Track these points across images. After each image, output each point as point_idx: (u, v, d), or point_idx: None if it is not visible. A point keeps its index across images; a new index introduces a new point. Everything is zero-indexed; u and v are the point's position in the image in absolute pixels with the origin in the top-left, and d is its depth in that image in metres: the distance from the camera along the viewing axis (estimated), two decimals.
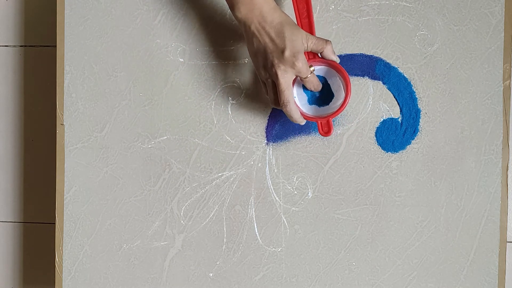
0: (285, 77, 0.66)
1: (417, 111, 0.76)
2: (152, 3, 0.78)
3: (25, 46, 0.91)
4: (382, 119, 0.76)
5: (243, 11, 0.66)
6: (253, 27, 0.66)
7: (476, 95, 0.75)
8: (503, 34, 0.74)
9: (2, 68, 0.91)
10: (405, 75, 0.76)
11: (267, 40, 0.66)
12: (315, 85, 0.69)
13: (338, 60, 0.70)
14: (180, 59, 0.78)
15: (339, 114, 0.72)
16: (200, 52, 0.78)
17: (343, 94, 0.71)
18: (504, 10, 0.74)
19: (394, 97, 0.76)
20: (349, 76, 0.73)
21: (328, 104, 0.73)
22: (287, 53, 0.65)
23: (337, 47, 0.76)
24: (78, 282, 0.80)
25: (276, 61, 0.66)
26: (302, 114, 0.71)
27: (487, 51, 0.75)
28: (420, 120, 0.76)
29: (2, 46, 0.91)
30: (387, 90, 0.76)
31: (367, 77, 0.76)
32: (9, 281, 0.93)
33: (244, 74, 0.77)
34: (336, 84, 0.72)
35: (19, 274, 0.93)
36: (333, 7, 0.76)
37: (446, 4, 0.75)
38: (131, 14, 0.79)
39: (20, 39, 0.91)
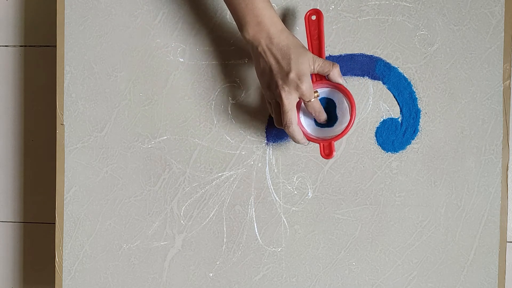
0: (289, 99, 0.67)
1: (417, 111, 0.76)
2: (152, 3, 0.78)
3: (25, 46, 0.91)
4: (382, 119, 0.76)
5: (251, 32, 0.67)
6: (260, 48, 0.67)
7: (476, 95, 0.75)
8: (503, 34, 0.74)
9: (2, 68, 0.91)
10: (405, 75, 0.76)
11: (272, 61, 0.66)
12: (317, 111, 0.69)
13: (345, 84, 0.70)
14: (180, 59, 0.78)
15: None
16: (200, 52, 0.78)
17: (348, 118, 0.71)
18: (504, 10, 0.74)
19: (394, 97, 0.76)
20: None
21: (330, 126, 0.73)
22: (292, 75, 0.66)
23: (337, 47, 0.76)
24: (78, 282, 0.80)
25: (280, 82, 0.66)
26: (306, 135, 0.71)
27: (487, 51, 0.75)
28: (420, 120, 0.76)
29: (2, 46, 0.91)
30: (387, 90, 0.76)
31: (367, 77, 0.76)
32: (9, 281, 0.93)
33: (244, 74, 0.77)
34: (343, 107, 0.72)
35: (19, 274, 0.93)
36: (333, 7, 0.76)
37: (446, 4, 0.75)
38: (131, 14, 0.79)
39: (20, 39, 0.91)
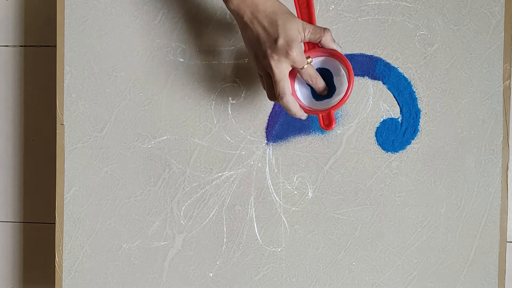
0: (279, 67, 0.63)
1: (417, 111, 0.76)
2: (152, 3, 0.78)
3: (25, 46, 0.91)
4: (382, 119, 0.76)
5: (235, 1, 0.64)
6: (246, 18, 0.64)
7: (476, 95, 0.75)
8: (503, 34, 0.74)
9: (2, 68, 0.91)
10: (405, 75, 0.76)
11: (260, 29, 0.63)
12: (313, 77, 0.66)
13: (339, 49, 0.67)
14: (180, 59, 0.78)
15: (341, 108, 0.69)
16: (200, 52, 0.78)
17: (344, 87, 0.67)
18: (504, 10, 0.74)
19: (394, 97, 0.76)
20: None
21: (327, 97, 0.69)
22: (280, 42, 0.62)
23: None
24: (78, 282, 0.80)
25: (269, 51, 0.63)
26: (302, 107, 0.67)
27: (487, 51, 0.75)
28: (420, 120, 0.76)
29: (2, 46, 0.91)
30: (387, 90, 0.76)
31: (367, 77, 0.76)
32: (9, 281, 0.93)
33: (244, 74, 0.77)
34: (341, 75, 0.68)
35: (19, 274, 0.93)
36: (333, 7, 0.76)
37: (446, 4, 0.75)
38: (131, 14, 0.79)
39: (20, 39, 0.91)
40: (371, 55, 0.76)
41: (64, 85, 0.79)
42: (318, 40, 0.65)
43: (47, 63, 0.90)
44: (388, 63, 0.76)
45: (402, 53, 0.75)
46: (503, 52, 0.74)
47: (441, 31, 0.75)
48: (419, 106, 0.76)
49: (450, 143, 0.76)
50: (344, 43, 0.76)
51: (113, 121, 0.79)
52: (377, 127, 0.76)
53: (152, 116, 0.79)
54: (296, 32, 0.63)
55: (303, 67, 0.64)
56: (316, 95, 0.69)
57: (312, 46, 0.67)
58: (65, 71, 0.79)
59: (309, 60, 0.65)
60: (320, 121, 0.67)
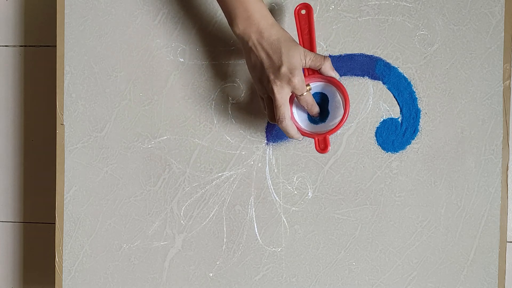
0: (280, 93, 0.66)
1: (417, 111, 0.76)
2: (152, 3, 0.78)
3: (25, 46, 0.91)
4: (382, 119, 0.76)
5: (241, 27, 0.66)
6: (250, 43, 0.66)
7: (476, 95, 0.75)
8: (503, 34, 0.74)
9: (2, 68, 0.91)
10: (405, 75, 0.76)
11: (263, 56, 0.66)
12: (309, 104, 0.69)
13: (337, 77, 0.70)
14: (180, 59, 0.78)
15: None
16: (200, 52, 0.78)
17: (342, 111, 0.71)
18: (504, 10, 0.74)
19: (394, 97, 0.76)
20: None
21: (324, 121, 0.73)
22: (283, 69, 0.65)
23: (337, 47, 0.76)
24: (78, 282, 0.80)
25: (272, 77, 0.66)
26: (300, 130, 0.70)
27: (487, 51, 0.75)
28: (420, 120, 0.76)
29: (2, 46, 0.91)
30: (387, 90, 0.76)
31: (367, 77, 0.76)
32: (9, 281, 0.93)
33: (244, 74, 0.77)
34: (336, 101, 0.72)
35: (19, 274, 0.93)
36: (333, 7, 0.76)
37: (446, 4, 0.75)
38: (131, 14, 0.79)
39: (20, 39, 0.91)
40: (371, 55, 0.76)
41: (64, 85, 0.80)
42: (318, 68, 0.69)
43: (47, 63, 0.90)
44: (388, 63, 0.76)
45: (402, 53, 0.75)
46: (503, 52, 0.74)
47: (441, 31, 0.75)
48: (419, 106, 0.76)
49: (450, 143, 0.76)
50: (344, 43, 0.76)
51: (113, 121, 0.79)
52: (377, 127, 0.76)
53: (152, 116, 0.79)
54: (298, 59, 0.66)
55: (302, 94, 0.68)
56: (312, 118, 0.73)
57: (312, 72, 0.70)
58: (65, 71, 0.79)
59: (308, 88, 0.68)
60: (316, 145, 0.71)
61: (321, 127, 0.73)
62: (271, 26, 0.66)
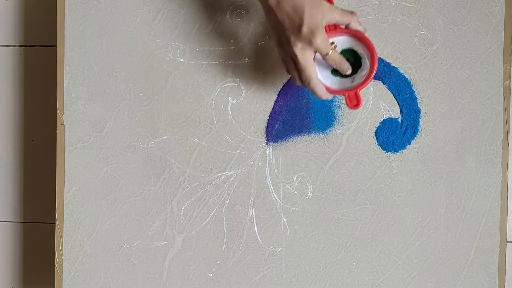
0: (303, 55, 0.62)
1: (417, 111, 0.76)
2: (152, 3, 0.78)
3: (25, 46, 0.91)
4: (382, 119, 0.76)
5: None
6: (270, 1, 0.62)
7: (476, 95, 0.75)
8: (503, 34, 0.74)
9: (2, 68, 0.91)
10: (405, 75, 0.76)
11: (284, 15, 0.61)
12: (337, 63, 0.65)
13: (365, 31, 0.66)
14: (180, 59, 0.78)
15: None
16: (200, 52, 0.78)
17: (367, 64, 0.67)
18: (504, 10, 0.74)
19: (394, 97, 0.76)
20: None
21: (351, 75, 0.68)
22: (304, 29, 0.60)
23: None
24: (78, 282, 0.80)
25: (292, 39, 0.62)
26: (328, 89, 0.67)
27: (487, 51, 0.75)
28: (420, 120, 0.76)
29: (2, 46, 0.91)
30: (387, 90, 0.76)
31: None
32: (9, 281, 0.93)
33: (244, 74, 0.77)
34: (360, 54, 0.67)
35: (19, 274, 0.93)
36: None
37: (446, 4, 0.75)
38: (131, 14, 0.79)
39: (20, 39, 0.91)
40: None
41: (64, 85, 0.80)
42: (346, 23, 0.64)
43: (47, 63, 0.90)
44: (388, 63, 0.76)
45: (402, 53, 0.75)
46: (503, 52, 0.74)
47: (441, 31, 0.75)
48: (419, 106, 0.76)
49: (450, 143, 0.76)
50: None
51: (113, 121, 0.79)
52: (377, 127, 0.76)
53: (152, 116, 0.79)
54: (320, 17, 0.61)
55: (328, 53, 0.63)
56: (335, 72, 0.68)
57: (333, 27, 0.65)
58: (65, 71, 0.79)
59: (333, 46, 0.64)
60: (347, 101, 0.67)
61: (346, 82, 0.68)
62: None
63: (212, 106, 0.78)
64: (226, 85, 0.78)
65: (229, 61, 0.78)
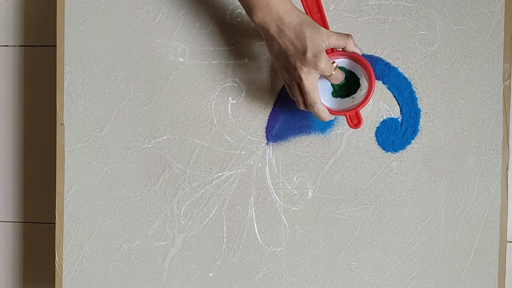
0: (309, 79, 0.66)
1: (417, 111, 0.76)
2: (152, 3, 0.78)
3: (25, 46, 0.91)
4: (382, 119, 0.76)
5: (260, 15, 0.65)
6: (272, 31, 0.65)
7: (476, 95, 0.75)
8: (503, 34, 0.74)
9: (2, 68, 0.91)
10: (405, 75, 0.76)
11: (287, 43, 0.65)
12: (340, 80, 0.69)
13: (361, 52, 0.69)
14: (180, 59, 0.78)
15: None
16: (200, 52, 0.78)
17: (365, 84, 0.70)
18: (504, 10, 0.74)
19: (394, 97, 0.76)
20: None
21: (350, 95, 0.71)
22: (309, 55, 0.64)
23: None
24: (78, 282, 0.80)
25: (298, 64, 0.65)
26: (330, 110, 0.70)
27: (487, 51, 0.75)
28: (420, 120, 0.76)
29: (2, 46, 0.91)
30: (387, 90, 0.76)
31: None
32: (9, 281, 0.93)
33: (244, 74, 0.77)
34: (358, 74, 0.71)
35: (19, 274, 0.93)
36: (333, 7, 0.76)
37: (446, 4, 0.75)
38: (131, 14, 0.79)
39: (20, 39, 0.91)
40: (371, 55, 0.76)
41: (64, 85, 0.80)
42: (343, 47, 0.68)
43: (47, 63, 0.90)
44: (388, 63, 0.76)
45: (402, 53, 0.75)
46: (503, 52, 0.74)
47: (441, 31, 0.75)
48: (419, 106, 0.76)
49: (450, 143, 0.76)
50: None
51: (113, 121, 0.79)
52: (377, 127, 0.76)
53: (152, 116, 0.79)
54: (321, 42, 0.65)
55: (331, 74, 0.67)
56: (335, 93, 0.72)
57: (332, 50, 0.69)
58: (65, 71, 0.79)
59: (334, 65, 0.67)
60: (348, 121, 0.70)
61: (344, 103, 0.71)
62: (291, 11, 0.65)
63: (212, 106, 0.78)
64: (226, 85, 0.78)
65: (229, 61, 0.78)
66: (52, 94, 0.87)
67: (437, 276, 0.76)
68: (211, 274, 0.79)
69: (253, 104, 0.77)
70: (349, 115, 0.70)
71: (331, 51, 0.69)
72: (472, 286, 0.76)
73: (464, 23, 0.75)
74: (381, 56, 0.76)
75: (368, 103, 0.76)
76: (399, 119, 0.76)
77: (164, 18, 0.78)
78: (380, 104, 0.76)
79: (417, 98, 0.76)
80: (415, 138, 0.76)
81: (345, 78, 0.71)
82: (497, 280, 0.75)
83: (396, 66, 0.76)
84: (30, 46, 0.91)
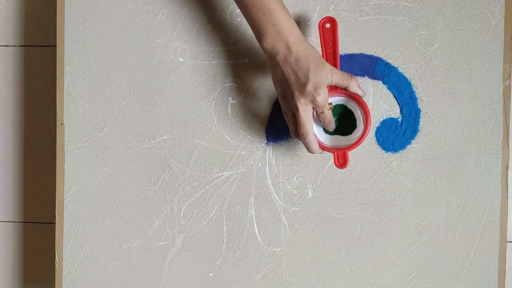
0: (304, 110, 0.66)
1: (417, 111, 0.76)
2: (152, 3, 0.78)
3: (25, 46, 0.91)
4: (382, 119, 0.76)
5: (269, 41, 0.66)
6: (278, 58, 0.66)
7: (476, 95, 0.75)
8: (503, 34, 0.74)
9: (2, 68, 0.91)
10: (405, 75, 0.76)
11: (290, 71, 0.66)
12: (328, 121, 0.69)
13: (363, 95, 0.70)
14: (180, 59, 0.78)
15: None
16: (200, 52, 0.78)
17: (361, 126, 0.71)
18: (504, 10, 0.74)
19: (394, 97, 0.76)
20: None
21: (345, 135, 0.73)
22: (309, 87, 0.65)
23: None
24: (78, 282, 0.80)
25: (297, 94, 0.66)
26: (320, 144, 0.70)
27: (487, 51, 0.75)
28: (420, 120, 0.76)
29: (2, 46, 0.91)
30: (387, 90, 0.76)
31: (367, 77, 0.76)
32: (9, 281, 0.93)
33: (244, 74, 0.77)
34: (356, 115, 0.72)
35: (19, 274, 0.93)
36: (333, 7, 0.76)
37: (446, 4, 0.75)
38: (131, 14, 0.79)
39: (20, 39, 0.91)
40: (371, 55, 0.76)
41: (64, 85, 0.80)
42: (345, 86, 0.68)
43: (47, 63, 0.90)
44: (388, 63, 0.76)
45: (402, 53, 0.76)
46: (503, 52, 0.74)
47: (441, 31, 0.75)
48: (419, 106, 0.76)
49: (450, 143, 0.76)
50: (344, 43, 0.76)
51: (113, 121, 0.79)
52: (377, 127, 0.76)
53: (152, 116, 0.79)
54: (324, 78, 0.66)
55: (324, 112, 0.67)
56: (325, 129, 0.73)
57: (335, 87, 0.69)
58: (65, 71, 0.79)
59: (329, 106, 0.68)
60: (335, 160, 0.70)
61: (338, 140, 0.73)
62: (300, 42, 0.66)
63: (212, 106, 0.78)
64: (226, 85, 0.78)
65: (229, 61, 0.78)
66: (52, 94, 0.87)
67: (437, 276, 0.76)
68: (211, 274, 0.79)
69: (253, 104, 0.77)
70: (337, 154, 0.70)
71: (334, 88, 0.69)
72: (472, 286, 0.76)
73: (464, 23, 0.75)
74: (381, 56, 0.76)
75: (368, 103, 0.76)
76: (399, 119, 0.76)
77: (164, 18, 0.78)
78: (380, 104, 0.76)
79: (417, 98, 0.76)
80: (415, 138, 0.76)
81: (339, 115, 0.72)
82: (497, 280, 0.75)
83: (396, 66, 0.76)
84: (30, 46, 0.91)
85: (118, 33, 0.79)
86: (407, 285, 0.76)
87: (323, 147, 0.71)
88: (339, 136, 0.73)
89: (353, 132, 0.72)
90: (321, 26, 0.71)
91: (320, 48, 0.71)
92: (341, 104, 0.72)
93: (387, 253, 0.77)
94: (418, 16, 0.75)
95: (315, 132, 0.71)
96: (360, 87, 0.69)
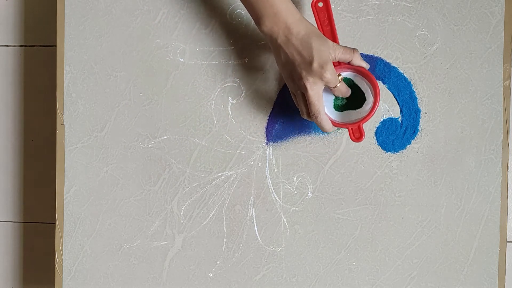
0: (314, 89, 0.66)
1: (417, 111, 0.76)
2: (152, 3, 0.78)
3: (25, 46, 0.91)
4: (382, 119, 0.76)
5: (268, 24, 0.66)
6: (279, 40, 0.66)
7: (476, 95, 0.75)
8: (503, 34, 0.74)
9: (2, 68, 0.91)
10: (405, 75, 0.76)
11: (294, 52, 0.66)
12: (344, 93, 0.69)
13: (367, 66, 0.70)
14: (180, 59, 0.78)
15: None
16: (200, 52, 0.78)
17: (371, 98, 0.71)
18: (504, 10, 0.74)
19: (394, 97, 0.76)
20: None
21: (355, 108, 0.72)
22: (315, 65, 0.65)
23: None
24: (78, 282, 0.80)
25: (304, 73, 0.66)
26: (332, 122, 0.70)
27: (487, 51, 0.75)
28: (420, 120, 0.76)
29: (2, 46, 0.91)
30: (387, 89, 0.76)
31: None
32: (9, 281, 0.93)
33: (244, 74, 0.77)
34: (363, 88, 0.72)
35: (19, 274, 0.93)
36: (333, 7, 0.76)
37: (446, 4, 0.75)
38: (131, 14, 0.79)
39: (20, 39, 0.91)
40: (371, 55, 0.76)
41: (64, 85, 0.80)
42: (348, 60, 0.68)
43: (47, 63, 0.90)
44: (388, 63, 0.76)
45: (402, 53, 0.76)
46: (503, 52, 0.74)
47: (441, 31, 0.75)
48: (419, 106, 0.76)
49: (450, 143, 0.76)
50: (344, 43, 0.76)
51: (113, 121, 0.79)
52: (377, 127, 0.76)
53: (152, 116, 0.79)
54: (328, 53, 0.66)
55: (336, 85, 0.67)
56: (337, 106, 0.73)
57: (338, 63, 0.69)
58: (65, 71, 0.79)
59: (340, 77, 0.68)
60: (351, 134, 0.70)
61: (349, 115, 0.72)
62: (299, 21, 0.66)
63: (212, 106, 0.78)
64: (226, 85, 0.78)
65: (229, 61, 0.78)
66: (52, 94, 0.87)
67: (437, 276, 0.76)
68: (211, 274, 0.79)
69: (253, 104, 0.77)
70: (352, 128, 0.70)
71: (338, 64, 0.69)
72: (472, 286, 0.76)
73: (464, 23, 0.75)
74: (381, 56, 0.76)
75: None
76: (399, 119, 0.76)
77: (164, 18, 0.78)
78: (380, 104, 0.76)
79: (417, 98, 0.76)
80: (415, 138, 0.76)
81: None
82: (497, 280, 0.75)
83: (396, 66, 0.76)
84: (30, 46, 0.91)
85: (118, 33, 0.79)
86: (407, 285, 0.76)
87: (336, 124, 0.70)
88: (350, 110, 0.72)
89: (364, 105, 0.72)
90: (314, 6, 0.71)
91: (317, 28, 0.70)
92: (348, 78, 0.72)
93: (387, 253, 0.77)
94: (418, 16, 0.75)
95: (326, 112, 0.71)
96: (363, 60, 0.69)
